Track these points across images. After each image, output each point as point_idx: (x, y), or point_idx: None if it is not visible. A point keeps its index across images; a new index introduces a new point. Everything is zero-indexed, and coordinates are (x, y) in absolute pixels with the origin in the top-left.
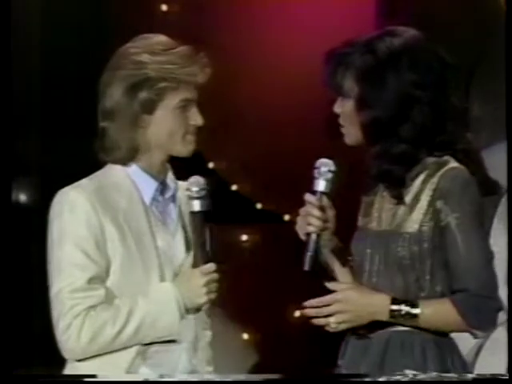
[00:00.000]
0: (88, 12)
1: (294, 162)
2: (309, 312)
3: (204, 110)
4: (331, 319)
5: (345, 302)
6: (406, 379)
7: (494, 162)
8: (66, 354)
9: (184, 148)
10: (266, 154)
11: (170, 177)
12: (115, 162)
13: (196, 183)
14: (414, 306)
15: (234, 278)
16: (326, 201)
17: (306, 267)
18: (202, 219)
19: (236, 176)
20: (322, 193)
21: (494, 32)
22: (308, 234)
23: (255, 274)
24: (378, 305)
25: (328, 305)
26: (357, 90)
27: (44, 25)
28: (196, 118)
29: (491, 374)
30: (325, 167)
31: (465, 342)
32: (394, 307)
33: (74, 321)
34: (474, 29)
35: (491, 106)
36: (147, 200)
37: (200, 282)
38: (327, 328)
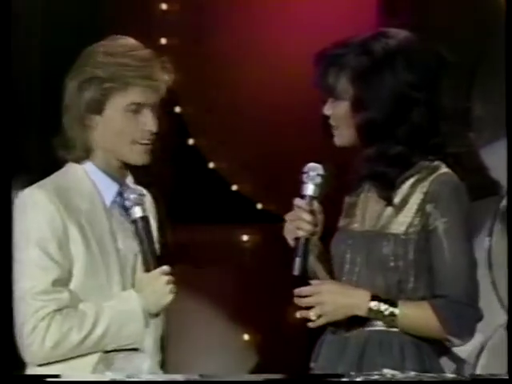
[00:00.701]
0: (87, 11)
1: (294, 162)
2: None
3: (205, 111)
4: (311, 312)
5: (323, 294)
6: (384, 379)
7: (494, 160)
8: (28, 357)
9: (134, 154)
10: (267, 154)
11: (130, 181)
12: (72, 159)
13: (133, 191)
14: (393, 304)
15: (234, 278)
16: (316, 205)
17: (296, 272)
18: (146, 224)
19: (236, 176)
20: (312, 197)
21: (495, 32)
22: (297, 239)
23: (256, 275)
24: (357, 298)
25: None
26: (352, 92)
27: (44, 25)
28: (148, 123)
29: (491, 374)
30: (313, 171)
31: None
32: (374, 303)
33: (40, 324)
34: (475, 28)
35: (493, 105)
36: (108, 202)
37: (162, 282)
38: (309, 324)
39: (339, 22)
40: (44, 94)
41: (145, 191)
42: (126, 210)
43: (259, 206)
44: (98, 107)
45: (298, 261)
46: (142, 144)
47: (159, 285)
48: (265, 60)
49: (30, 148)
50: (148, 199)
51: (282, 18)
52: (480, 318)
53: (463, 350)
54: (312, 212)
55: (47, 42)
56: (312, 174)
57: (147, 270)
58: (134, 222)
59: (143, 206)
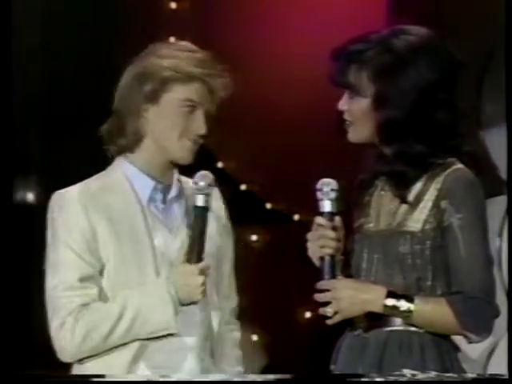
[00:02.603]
0: (95, 9)
1: (303, 162)
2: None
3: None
4: (327, 308)
5: (339, 289)
6: (404, 379)
7: (503, 159)
8: (60, 353)
9: (179, 151)
10: (276, 154)
11: (176, 177)
12: (118, 149)
13: (204, 178)
14: (410, 300)
15: (243, 278)
16: (337, 220)
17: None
18: (203, 215)
19: (245, 176)
20: (331, 213)
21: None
22: (322, 258)
23: (265, 275)
24: (372, 294)
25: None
26: (374, 89)
27: (48, 23)
28: (199, 126)
29: (491, 374)
30: (327, 187)
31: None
32: (389, 299)
33: (68, 319)
34: (486, 26)
35: (502, 104)
36: (144, 201)
37: (199, 281)
38: (326, 321)
39: (349, 22)
40: (44, 94)
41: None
42: (175, 203)
43: (268, 205)
44: (154, 96)
45: (326, 279)
46: (188, 142)
47: (194, 281)
48: (274, 59)
49: (30, 148)
50: (216, 196)
51: (291, 17)
52: (497, 314)
53: (474, 350)
54: (334, 228)
55: (48, 41)
56: (326, 189)
57: (188, 260)
58: (194, 208)
59: (208, 196)
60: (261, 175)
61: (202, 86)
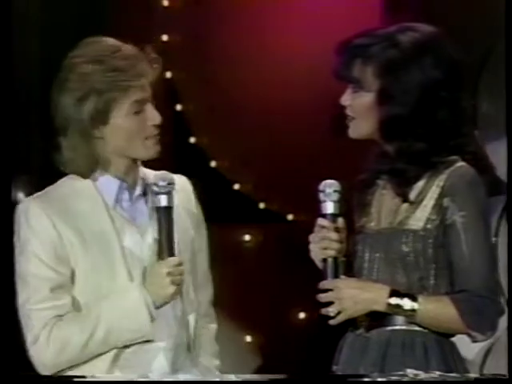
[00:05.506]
0: (88, 8)
1: (297, 161)
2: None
3: (206, 109)
4: (329, 308)
5: (342, 289)
6: (406, 379)
7: (499, 159)
8: (38, 367)
9: (145, 152)
10: (269, 153)
11: (141, 174)
12: (76, 173)
13: (163, 178)
14: (413, 299)
15: (236, 278)
16: (340, 222)
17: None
18: (168, 214)
19: (238, 175)
20: (333, 214)
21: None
22: (325, 260)
23: (258, 275)
24: (375, 293)
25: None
26: (378, 84)
27: (44, 22)
28: (153, 117)
29: (491, 374)
30: (329, 188)
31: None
32: (393, 298)
33: (42, 332)
34: (484, 23)
35: (499, 103)
36: (111, 201)
37: (163, 272)
38: (329, 322)
39: (345, 19)
40: (44, 94)
41: (176, 179)
42: (141, 202)
43: (261, 205)
44: (103, 118)
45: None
46: (151, 138)
47: (159, 275)
48: (267, 57)
49: (30, 148)
50: (182, 185)
51: (285, 14)
52: (501, 311)
53: (470, 350)
54: (337, 230)
55: (47, 40)
56: (328, 190)
57: (161, 259)
58: (157, 209)
59: (170, 195)
60: (254, 175)
61: (139, 85)
